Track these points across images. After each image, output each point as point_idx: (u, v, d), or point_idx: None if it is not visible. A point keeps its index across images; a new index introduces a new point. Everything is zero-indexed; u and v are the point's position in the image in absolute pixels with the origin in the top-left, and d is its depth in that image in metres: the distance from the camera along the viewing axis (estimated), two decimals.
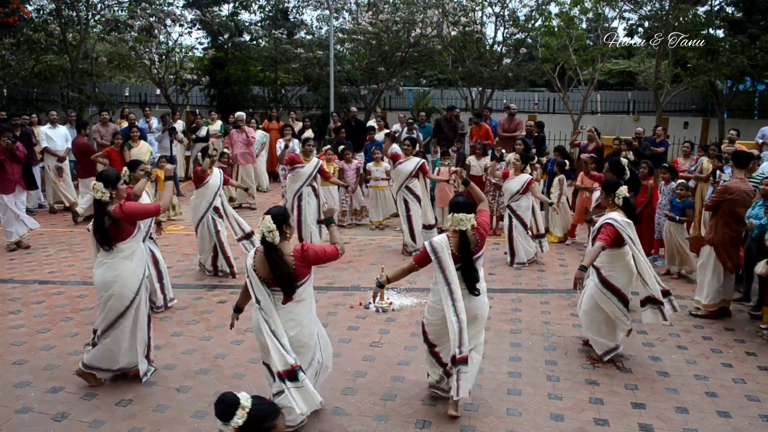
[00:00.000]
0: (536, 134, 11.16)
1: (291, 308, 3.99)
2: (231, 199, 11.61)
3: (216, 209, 7.23)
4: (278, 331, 3.93)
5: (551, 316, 6.29)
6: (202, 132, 12.47)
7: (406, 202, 8.38)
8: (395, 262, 8.05)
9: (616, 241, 5.02)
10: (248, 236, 7.32)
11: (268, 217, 3.90)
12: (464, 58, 16.62)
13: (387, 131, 11.39)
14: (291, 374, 3.88)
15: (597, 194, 6.95)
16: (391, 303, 6.53)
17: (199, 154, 7.55)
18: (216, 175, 7.29)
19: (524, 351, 5.43)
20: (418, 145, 11.36)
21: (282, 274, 3.89)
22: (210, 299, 6.66)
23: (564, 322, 6.06)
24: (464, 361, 4.17)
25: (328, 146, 10.44)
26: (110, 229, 4.56)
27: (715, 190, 6.34)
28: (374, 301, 6.36)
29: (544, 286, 7.24)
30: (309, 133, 12.71)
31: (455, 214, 4.23)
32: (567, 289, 7.04)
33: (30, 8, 15.18)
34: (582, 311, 5.32)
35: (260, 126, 13.11)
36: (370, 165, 9.98)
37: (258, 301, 3.97)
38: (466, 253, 4.22)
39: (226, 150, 11.42)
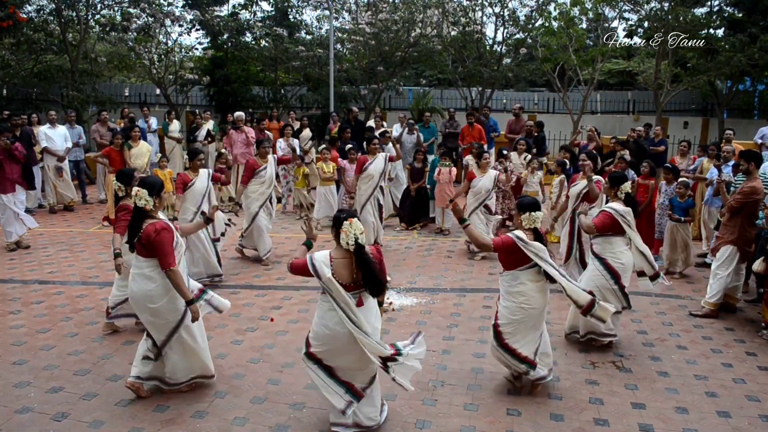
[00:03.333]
0: (536, 134, 11.16)
1: (371, 304, 3.99)
2: (231, 199, 11.61)
3: (204, 213, 6.90)
4: (367, 331, 3.87)
5: (551, 316, 6.28)
6: (202, 132, 12.43)
7: (378, 201, 8.18)
8: (395, 261, 8.06)
9: (612, 228, 5.33)
10: (216, 240, 7.27)
11: (355, 220, 3.79)
12: (464, 58, 16.61)
13: (383, 130, 11.37)
14: (395, 356, 3.89)
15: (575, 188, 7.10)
16: (391, 303, 6.52)
17: (186, 157, 7.29)
18: (202, 178, 7.02)
19: None
20: (418, 144, 11.40)
21: (376, 275, 3.81)
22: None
23: (564, 322, 6.05)
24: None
25: (323, 146, 10.42)
26: (136, 244, 4.35)
27: (740, 190, 6.20)
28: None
29: None
30: (307, 133, 12.69)
31: (532, 213, 4.43)
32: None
33: (30, 8, 15.19)
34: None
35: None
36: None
37: (342, 309, 3.81)
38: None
39: (224, 150, 11.41)
